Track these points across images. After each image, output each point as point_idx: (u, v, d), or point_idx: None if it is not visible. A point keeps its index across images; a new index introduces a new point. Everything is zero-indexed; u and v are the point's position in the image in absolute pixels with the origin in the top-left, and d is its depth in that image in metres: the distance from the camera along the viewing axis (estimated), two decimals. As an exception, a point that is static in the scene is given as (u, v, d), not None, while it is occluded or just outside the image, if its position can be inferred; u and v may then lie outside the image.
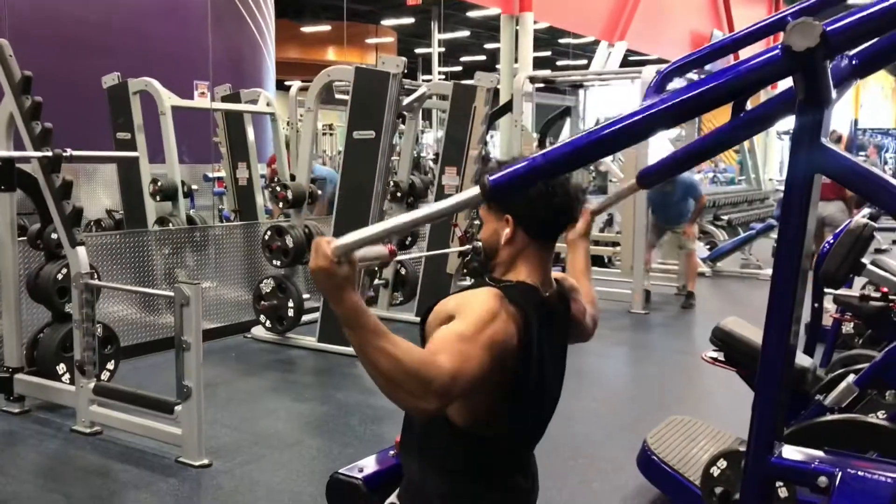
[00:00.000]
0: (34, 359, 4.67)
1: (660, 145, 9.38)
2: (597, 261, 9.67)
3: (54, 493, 3.53)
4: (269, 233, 6.07)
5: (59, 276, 4.55)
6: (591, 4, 14.39)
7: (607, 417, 4.72)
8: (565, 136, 9.89)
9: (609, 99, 10.07)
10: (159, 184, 6.72)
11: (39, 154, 4.20)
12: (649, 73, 7.45)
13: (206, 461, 3.83)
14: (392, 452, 2.04)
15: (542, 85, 8.63)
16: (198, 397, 3.81)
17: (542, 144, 9.34)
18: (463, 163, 6.56)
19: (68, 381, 4.47)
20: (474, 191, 1.47)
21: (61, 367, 4.56)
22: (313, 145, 6.37)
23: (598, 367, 6.03)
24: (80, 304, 4.19)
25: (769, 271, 9.34)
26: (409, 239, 7.06)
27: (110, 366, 4.81)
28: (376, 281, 6.98)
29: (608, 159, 10.73)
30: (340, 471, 1.99)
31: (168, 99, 6.75)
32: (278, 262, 6.04)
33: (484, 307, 1.68)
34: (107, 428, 4.19)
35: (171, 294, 3.82)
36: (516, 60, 12.65)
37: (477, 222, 7.72)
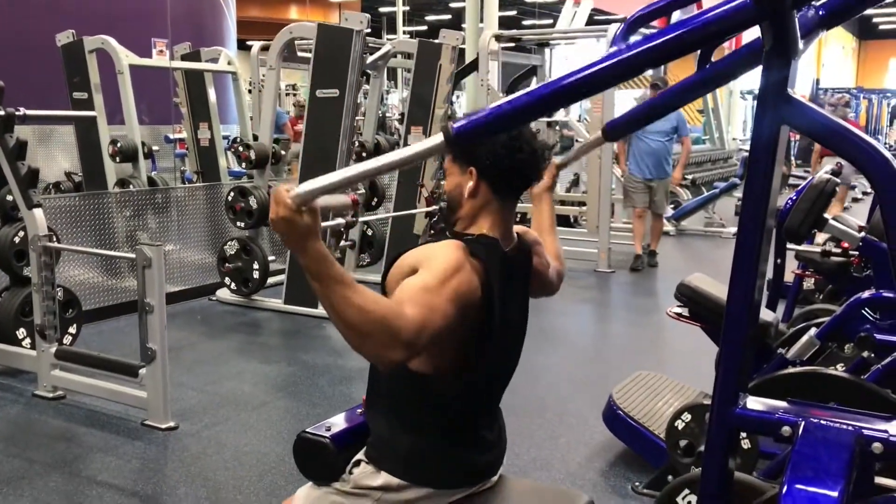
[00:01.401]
0: (-7, 324, 4.58)
1: (627, 105, 9.39)
2: (563, 221, 9.72)
3: (17, 458, 3.48)
4: (231, 194, 5.98)
5: (17, 240, 4.45)
6: (556, -38, 14.24)
7: (574, 374, 4.76)
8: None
9: (575, 57, 10.02)
10: (119, 145, 6.57)
11: (-9, 113, 4.08)
12: (614, 30, 7.41)
13: (172, 424, 3.80)
14: (360, 411, 2.03)
15: (508, 44, 8.56)
16: (162, 360, 3.76)
17: (508, 104, 9.28)
18: (429, 122, 6.50)
19: (29, 346, 4.40)
20: (437, 138, 1.44)
21: (21, 332, 4.49)
22: (276, 104, 6.25)
23: (565, 324, 6.08)
24: (39, 267, 4.10)
25: (732, 230, 9.45)
26: (376, 200, 7.02)
27: (72, 330, 4.74)
28: (343, 242, 6.93)
29: (575, 120, 10.73)
30: (307, 430, 1.97)
31: (126, 57, 6.58)
32: (242, 224, 5.96)
33: (448, 259, 1.67)
34: (70, 392, 4.13)
35: (133, 256, 3.75)
36: (482, 20, 12.52)
37: (444, 182, 7.69)
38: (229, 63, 7.66)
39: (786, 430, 1.64)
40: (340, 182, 1.42)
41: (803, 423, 1.63)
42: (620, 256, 8.10)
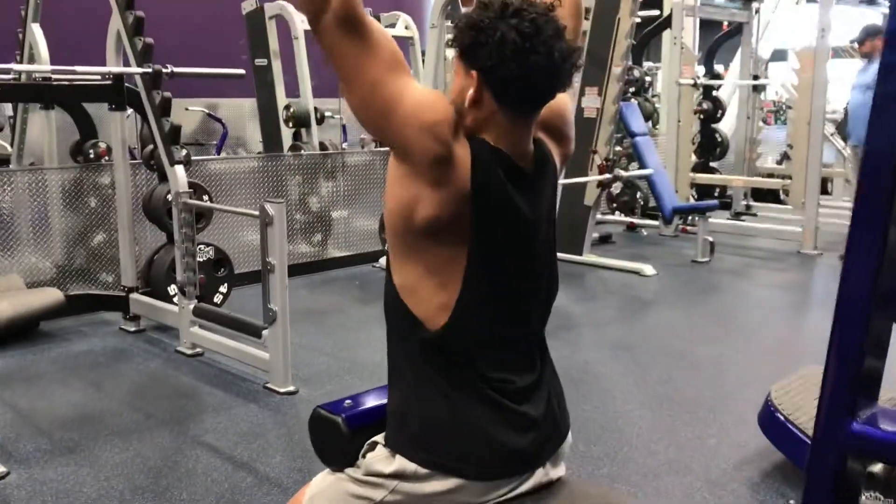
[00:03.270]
0: (150, 279, 4.71)
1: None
2: (772, 196, 8.70)
3: (138, 410, 3.49)
4: (393, 159, 5.80)
5: (169, 197, 4.51)
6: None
7: (743, 366, 4.10)
8: (737, 60, 8.86)
9: (790, 16, 8.91)
10: (291, 110, 6.61)
11: (140, 70, 4.13)
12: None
13: (291, 388, 3.67)
14: (393, 387, 1.69)
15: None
16: (283, 322, 3.63)
17: (708, 68, 8.46)
18: (604, 82, 5.97)
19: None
20: None
21: (172, 289, 4.57)
22: (438, 68, 6.00)
23: (745, 309, 5.37)
24: (180, 223, 4.12)
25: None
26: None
27: (223, 289, 4.77)
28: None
29: (790, 84, 9.59)
30: (324, 405, 1.66)
31: (301, 23, 6.59)
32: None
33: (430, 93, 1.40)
34: (208, 350, 4.14)
35: (257, 214, 3.64)
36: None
37: (619, 148, 7.09)
38: (406, 28, 7.50)
39: (926, 460, 1.11)
40: None
41: (956, 453, 1.10)
42: (833, 238, 7.11)
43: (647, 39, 8.01)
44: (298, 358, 3.93)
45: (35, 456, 3.03)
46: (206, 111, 8.22)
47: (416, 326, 1.45)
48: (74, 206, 5.05)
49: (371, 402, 1.68)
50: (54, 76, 4.74)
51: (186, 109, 7.67)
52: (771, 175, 8.74)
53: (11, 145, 5.77)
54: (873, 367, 1.17)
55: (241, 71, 4.31)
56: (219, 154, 7.69)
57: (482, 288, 1.43)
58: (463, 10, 6.60)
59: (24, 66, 4.29)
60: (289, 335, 3.67)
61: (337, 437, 1.61)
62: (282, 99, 6.76)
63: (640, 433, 3.25)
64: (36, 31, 5.07)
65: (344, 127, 8.36)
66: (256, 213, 3.69)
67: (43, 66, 4.60)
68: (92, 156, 5.30)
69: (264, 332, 3.70)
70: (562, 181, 6.24)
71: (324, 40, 1.34)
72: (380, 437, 1.55)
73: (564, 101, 1.59)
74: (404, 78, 1.36)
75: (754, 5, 7.94)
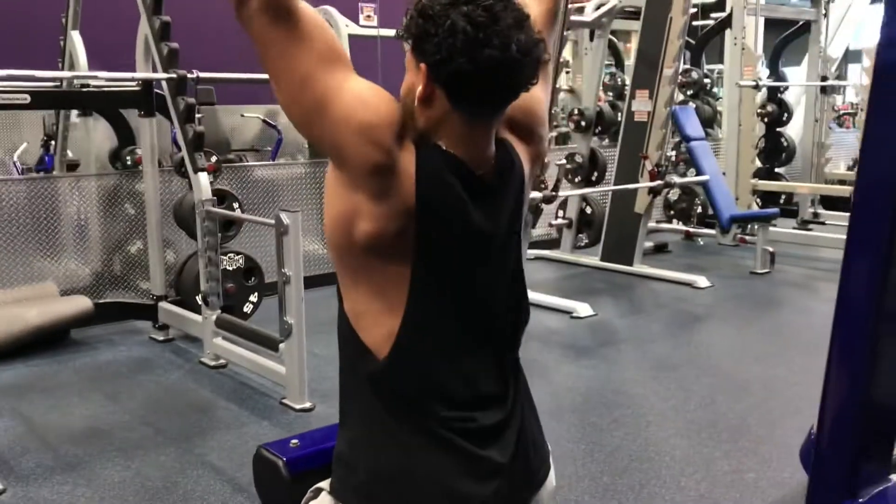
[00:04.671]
0: (180, 287, 4.64)
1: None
2: (842, 203, 8.22)
3: (149, 425, 3.39)
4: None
5: (197, 205, 4.43)
6: None
7: (796, 390, 3.77)
8: (805, 60, 8.40)
9: (860, 12, 8.41)
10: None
11: (165, 75, 4.05)
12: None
13: (308, 405, 3.52)
14: (349, 423, 1.51)
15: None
16: (299, 335, 3.49)
17: (773, 69, 8.03)
18: (656, 84, 5.68)
19: (208, 313, 4.38)
20: None
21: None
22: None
23: (806, 327, 4.98)
24: (203, 232, 4.03)
25: None
26: (597, 174, 6.30)
27: (253, 298, 4.66)
28: (558, 220, 6.35)
29: (862, 83, 9.06)
30: (268, 444, 1.50)
31: (346, 27, 6.49)
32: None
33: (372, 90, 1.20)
34: (231, 363, 4.03)
35: (272, 222, 3.51)
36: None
37: (673, 153, 6.76)
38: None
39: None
40: None
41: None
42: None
43: (707, 39, 7.66)
44: (320, 371, 3.77)
45: (35, 472, 2.95)
46: (262, 118, 8.18)
47: (365, 358, 1.26)
48: (112, 212, 5.02)
49: (320, 442, 1.50)
50: (91, 83, 4.72)
51: (242, 116, 7.65)
52: (842, 182, 8.26)
53: (53, 152, 5.80)
54: (881, 434, 0.93)
55: (265, 76, 4.18)
56: (274, 160, 7.63)
57: (429, 312, 1.24)
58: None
59: (43, 73, 4.25)
60: (305, 349, 3.52)
61: (277, 482, 1.44)
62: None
63: (671, 464, 2.99)
64: (75, 39, 5.07)
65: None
66: (270, 221, 3.57)
67: (62, 73, 4.57)
68: (129, 162, 5.27)
69: (281, 346, 3.56)
70: (612, 187, 5.98)
71: (249, 29, 1.18)
72: (325, 483, 1.37)
73: (535, 96, 1.38)
74: (341, 73, 1.18)
75: (823, 3, 7.51)
